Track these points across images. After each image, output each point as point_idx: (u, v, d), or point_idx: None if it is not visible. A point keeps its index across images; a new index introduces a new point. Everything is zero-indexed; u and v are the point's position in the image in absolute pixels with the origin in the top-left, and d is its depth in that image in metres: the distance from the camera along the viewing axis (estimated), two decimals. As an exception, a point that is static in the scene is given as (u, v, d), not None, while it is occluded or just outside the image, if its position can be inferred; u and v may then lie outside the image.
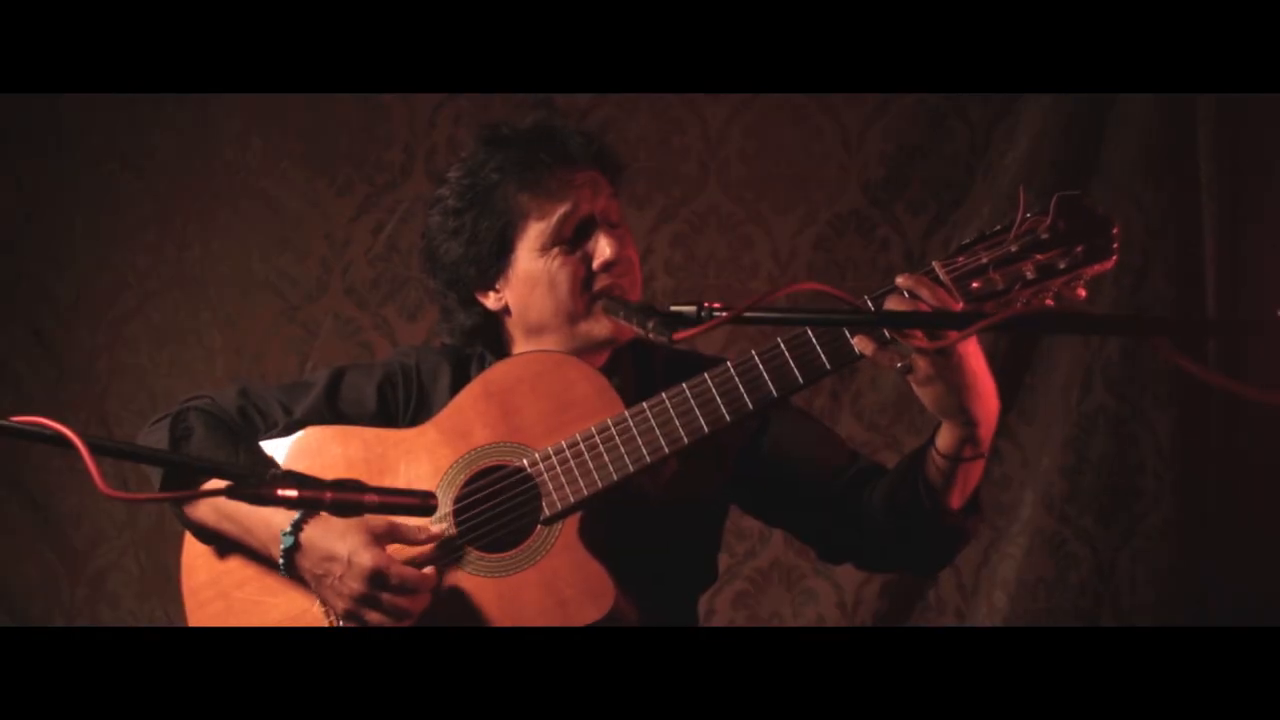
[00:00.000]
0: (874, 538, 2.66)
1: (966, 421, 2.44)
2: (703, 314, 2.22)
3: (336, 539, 2.59)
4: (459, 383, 2.78)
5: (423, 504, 2.20)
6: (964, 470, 2.50)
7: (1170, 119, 3.84)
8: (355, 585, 2.57)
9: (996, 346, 3.93)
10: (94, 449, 2.00)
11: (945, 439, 2.48)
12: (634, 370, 2.79)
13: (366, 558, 2.56)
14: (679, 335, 2.24)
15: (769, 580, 4.03)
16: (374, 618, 2.58)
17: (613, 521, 2.65)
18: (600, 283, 2.70)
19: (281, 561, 2.62)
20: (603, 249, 2.70)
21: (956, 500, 2.53)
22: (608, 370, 2.73)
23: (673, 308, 2.26)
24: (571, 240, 2.71)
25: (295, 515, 2.63)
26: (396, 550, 2.65)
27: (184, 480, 2.69)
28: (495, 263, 2.75)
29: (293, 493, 2.10)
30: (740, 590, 4.04)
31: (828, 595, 3.99)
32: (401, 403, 2.82)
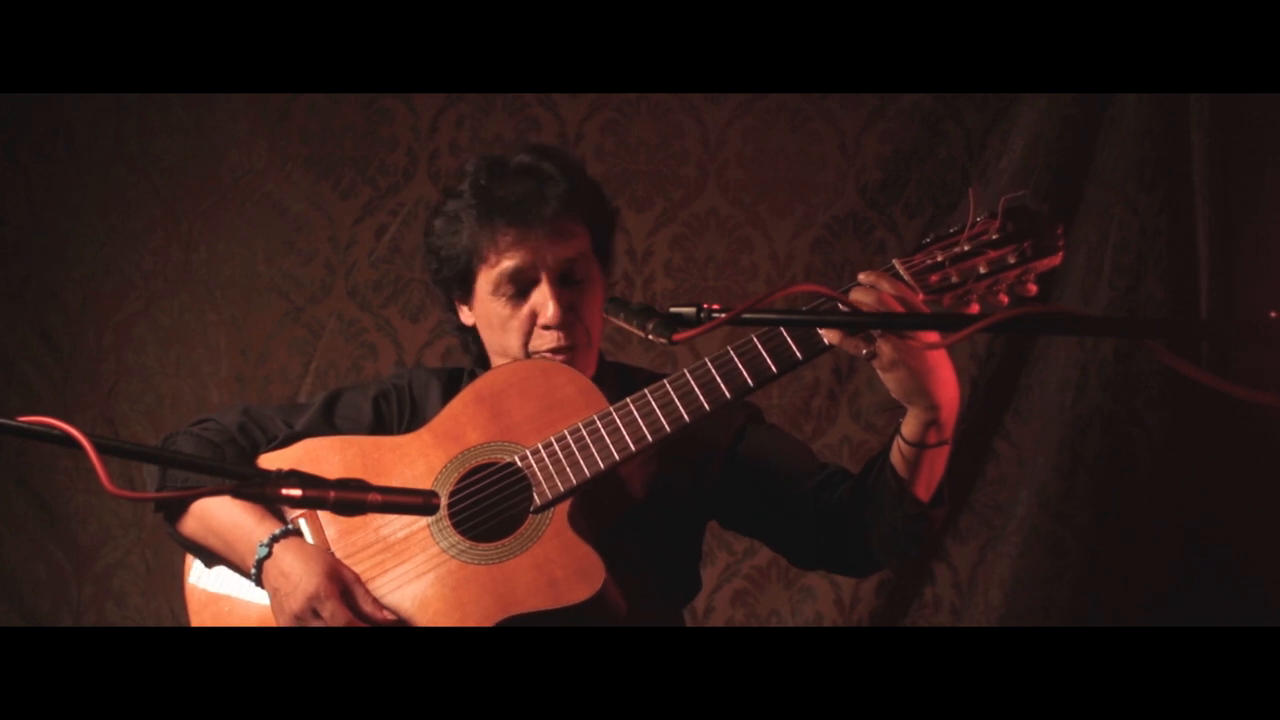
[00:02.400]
0: (843, 537, 2.73)
1: (929, 405, 2.51)
2: (702, 315, 2.25)
3: (299, 560, 2.70)
4: (448, 396, 2.88)
5: (425, 503, 2.22)
6: (929, 458, 2.58)
7: (1165, 121, 3.85)
8: (293, 605, 2.67)
9: (992, 347, 3.96)
10: (100, 449, 2.03)
11: (910, 425, 2.56)
12: (617, 384, 2.87)
13: (312, 584, 2.66)
14: (678, 336, 2.27)
15: (767, 578, 4.05)
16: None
17: (601, 515, 2.73)
18: (537, 340, 2.81)
19: (254, 571, 2.73)
20: (545, 309, 2.80)
21: (923, 490, 2.60)
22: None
23: (672, 309, 2.30)
24: (517, 293, 2.82)
25: (276, 530, 2.73)
26: (383, 549, 2.71)
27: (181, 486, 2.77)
28: (461, 286, 2.89)
29: (297, 491, 2.12)
30: (739, 588, 4.06)
31: (825, 593, 4.01)
32: (395, 415, 2.93)
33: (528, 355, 2.83)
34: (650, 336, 2.34)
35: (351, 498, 2.16)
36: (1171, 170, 3.85)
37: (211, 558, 2.83)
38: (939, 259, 2.49)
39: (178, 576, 2.90)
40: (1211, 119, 3.80)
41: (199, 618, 2.84)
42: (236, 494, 2.14)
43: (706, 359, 2.64)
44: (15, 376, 4.39)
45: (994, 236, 2.46)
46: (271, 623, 2.73)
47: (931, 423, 2.54)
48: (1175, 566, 3.87)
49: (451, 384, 2.94)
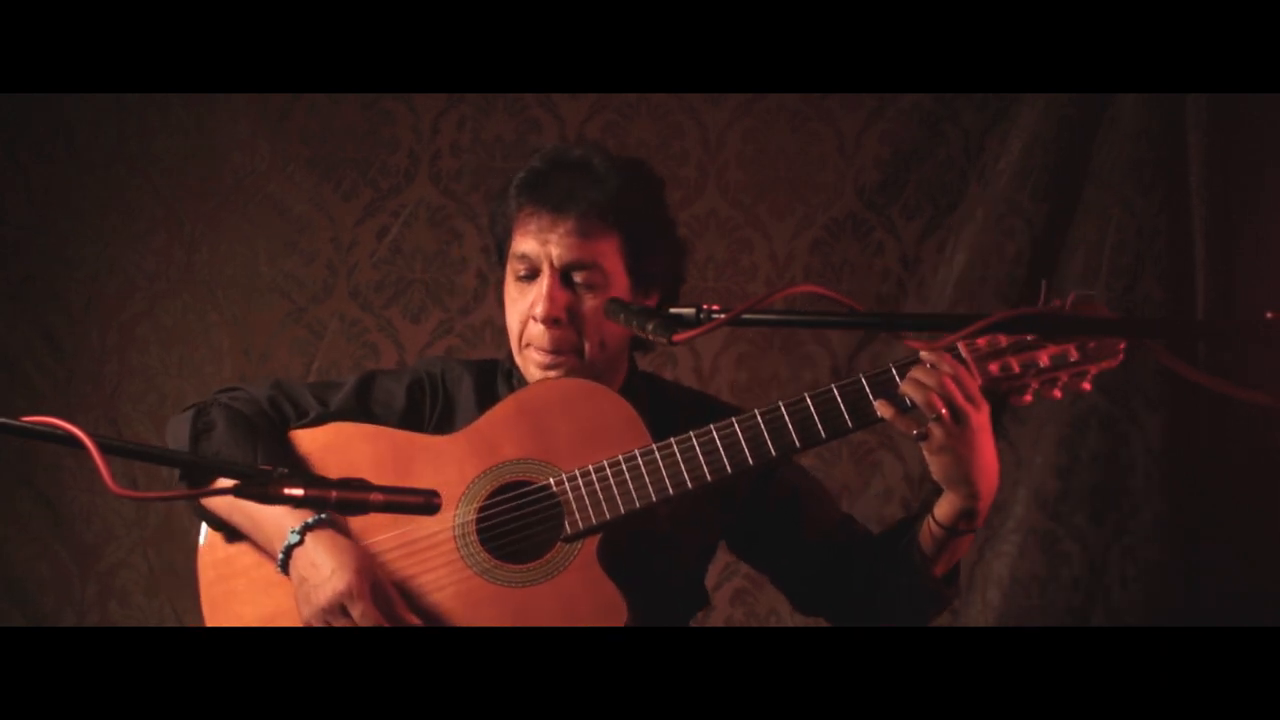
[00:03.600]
0: (850, 590, 2.77)
1: (970, 494, 2.57)
2: (701, 316, 2.25)
3: (332, 553, 2.63)
4: (481, 391, 2.85)
5: (426, 503, 2.21)
6: (955, 542, 2.64)
7: (1163, 122, 3.86)
8: (320, 599, 2.61)
9: (992, 348, 3.96)
10: (104, 449, 2.03)
11: (945, 509, 2.62)
12: (648, 399, 2.84)
13: (343, 580, 2.60)
14: (678, 337, 2.27)
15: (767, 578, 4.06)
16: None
17: (627, 548, 2.70)
18: (529, 330, 2.76)
19: (281, 557, 2.66)
20: (537, 301, 2.74)
21: (942, 569, 2.67)
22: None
23: (672, 310, 2.30)
24: (526, 276, 2.77)
25: (309, 518, 2.67)
26: (407, 554, 2.70)
27: (197, 476, 2.73)
28: (499, 255, 2.86)
29: (299, 491, 2.11)
30: (739, 588, 4.07)
31: (825, 593, 4.01)
32: (429, 405, 2.86)
33: (522, 346, 2.78)
34: (650, 337, 2.34)
35: (353, 498, 2.15)
36: (1170, 171, 3.86)
37: (233, 534, 2.78)
38: (1002, 345, 2.50)
39: (181, 575, 2.90)
40: (1209, 119, 3.80)
41: (209, 594, 2.78)
42: (238, 493, 2.13)
43: (756, 411, 2.61)
44: (18, 377, 4.40)
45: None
46: (286, 603, 2.69)
47: (967, 511, 2.59)
48: (1175, 566, 3.87)
49: (484, 378, 2.89)
